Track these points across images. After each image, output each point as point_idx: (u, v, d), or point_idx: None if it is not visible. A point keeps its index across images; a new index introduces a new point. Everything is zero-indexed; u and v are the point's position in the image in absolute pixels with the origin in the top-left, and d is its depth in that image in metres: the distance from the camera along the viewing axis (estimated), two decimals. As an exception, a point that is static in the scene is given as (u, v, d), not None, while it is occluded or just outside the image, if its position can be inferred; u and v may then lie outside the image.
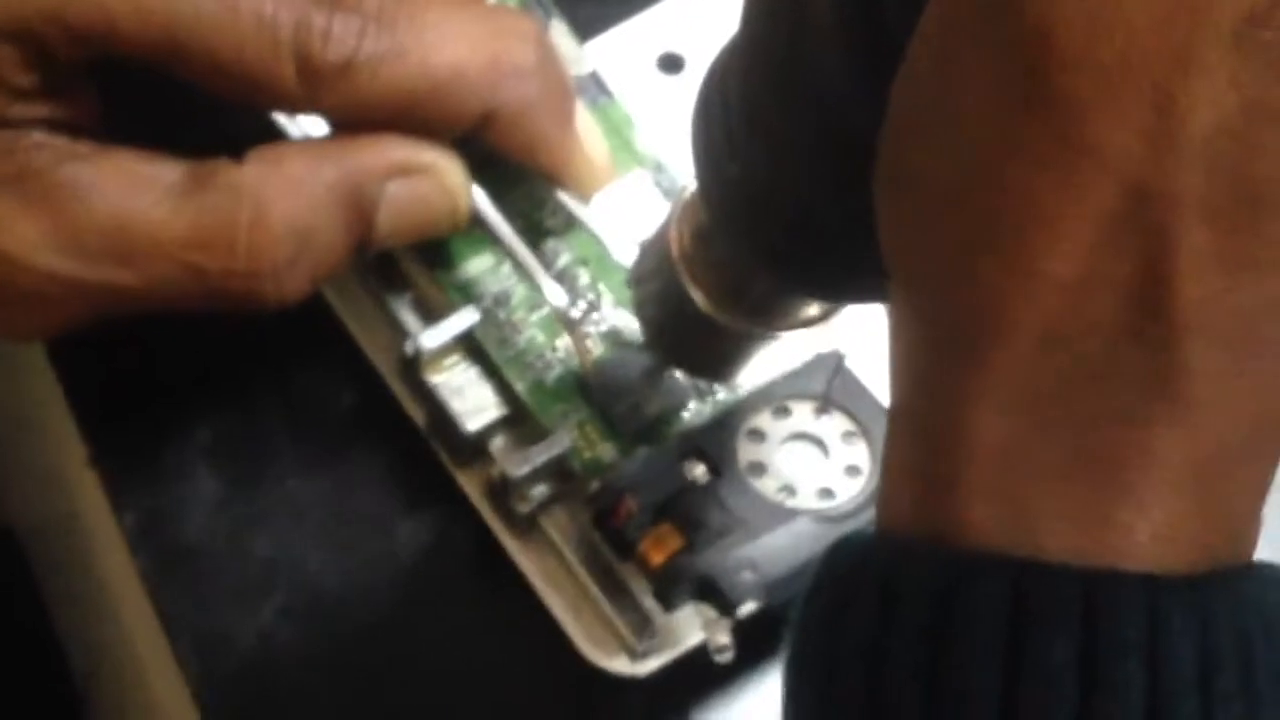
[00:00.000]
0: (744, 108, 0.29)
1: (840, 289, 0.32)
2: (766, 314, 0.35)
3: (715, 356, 0.37)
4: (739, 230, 0.31)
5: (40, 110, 0.36)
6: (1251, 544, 0.25)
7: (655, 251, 0.36)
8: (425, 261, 0.42)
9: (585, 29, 0.46)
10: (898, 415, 0.25)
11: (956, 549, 0.24)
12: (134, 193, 0.36)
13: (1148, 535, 0.23)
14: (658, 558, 0.38)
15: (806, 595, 0.26)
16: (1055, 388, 0.23)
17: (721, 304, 0.35)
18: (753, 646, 0.38)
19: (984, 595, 0.23)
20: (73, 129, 0.37)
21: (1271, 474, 0.25)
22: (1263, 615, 0.24)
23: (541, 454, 0.39)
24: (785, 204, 0.29)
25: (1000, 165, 0.22)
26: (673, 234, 0.35)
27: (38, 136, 0.36)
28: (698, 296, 0.35)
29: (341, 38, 0.37)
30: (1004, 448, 0.23)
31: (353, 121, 0.38)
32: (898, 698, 0.24)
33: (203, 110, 0.39)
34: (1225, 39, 0.21)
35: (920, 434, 0.25)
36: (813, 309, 0.34)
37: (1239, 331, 0.23)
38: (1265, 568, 0.25)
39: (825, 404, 0.40)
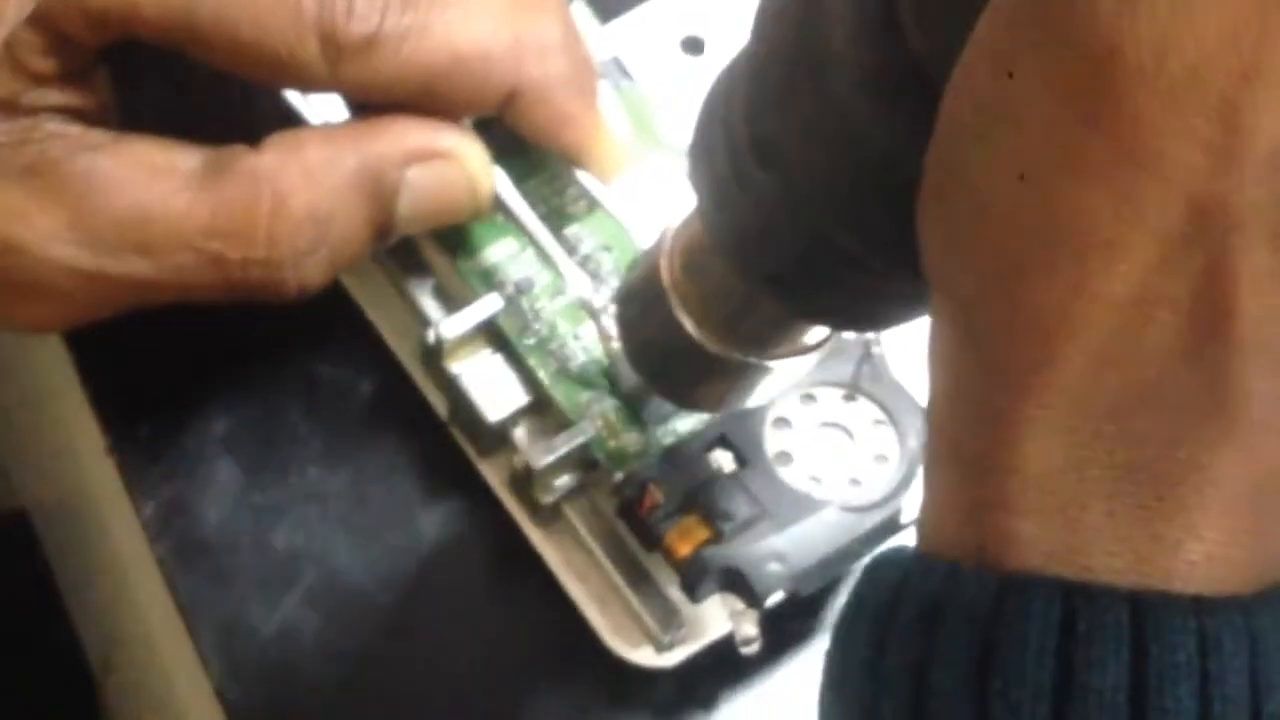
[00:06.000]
0: (753, 136, 0.28)
1: (847, 316, 0.31)
2: (761, 343, 0.34)
3: (701, 386, 0.36)
4: (744, 258, 0.30)
5: (56, 97, 0.36)
6: None
7: (642, 278, 0.35)
8: (446, 248, 0.42)
9: (606, 10, 0.45)
10: (940, 434, 0.25)
11: (1004, 570, 0.23)
12: (151, 182, 0.36)
13: (1200, 556, 0.23)
14: (684, 548, 0.37)
15: (845, 614, 0.26)
16: (1108, 408, 0.23)
17: (714, 332, 0.34)
18: (779, 638, 0.38)
19: (1032, 617, 0.23)
20: (87, 117, 0.37)
21: None
22: None
23: (565, 443, 0.39)
24: (797, 232, 0.29)
25: (1059, 180, 0.22)
26: (663, 262, 0.34)
27: (53, 126, 0.36)
28: (688, 324, 0.34)
29: (365, 13, 0.36)
30: (1054, 468, 0.23)
31: (375, 99, 0.38)
32: None
33: (215, 96, 0.38)
34: None
35: (966, 453, 0.24)
36: (807, 338, 0.34)
37: None
38: None
39: (853, 391, 0.40)
